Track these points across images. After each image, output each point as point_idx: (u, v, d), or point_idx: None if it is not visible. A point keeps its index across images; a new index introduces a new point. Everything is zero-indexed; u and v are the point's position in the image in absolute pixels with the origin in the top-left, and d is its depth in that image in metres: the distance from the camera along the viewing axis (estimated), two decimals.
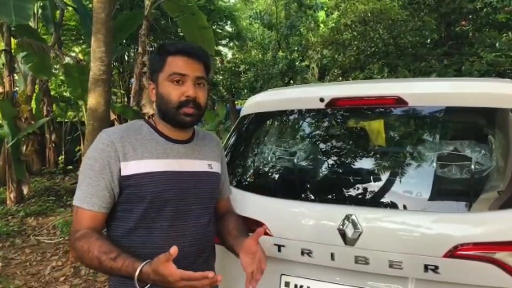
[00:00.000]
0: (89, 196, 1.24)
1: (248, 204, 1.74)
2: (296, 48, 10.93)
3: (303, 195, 1.81)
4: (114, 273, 1.21)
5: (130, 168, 1.27)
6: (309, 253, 1.55)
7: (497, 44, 5.79)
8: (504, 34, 6.15)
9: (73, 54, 8.90)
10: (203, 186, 1.40)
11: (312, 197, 1.78)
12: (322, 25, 10.57)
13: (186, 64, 1.32)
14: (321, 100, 1.73)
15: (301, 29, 10.66)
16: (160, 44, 1.50)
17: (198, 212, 1.37)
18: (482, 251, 1.32)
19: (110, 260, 1.17)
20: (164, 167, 1.31)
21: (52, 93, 11.02)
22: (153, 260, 1.11)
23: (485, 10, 6.39)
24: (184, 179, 1.34)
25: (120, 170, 1.26)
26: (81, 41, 11.38)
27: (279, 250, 1.61)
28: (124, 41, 9.42)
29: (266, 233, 1.62)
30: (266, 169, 2.00)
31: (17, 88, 7.83)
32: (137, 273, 1.13)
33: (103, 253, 1.18)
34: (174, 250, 1.05)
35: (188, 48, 1.35)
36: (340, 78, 9.78)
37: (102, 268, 1.19)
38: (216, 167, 1.48)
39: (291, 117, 2.04)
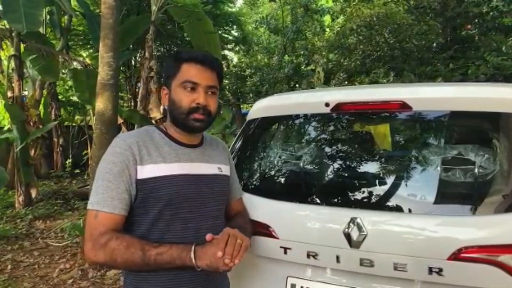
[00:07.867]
0: (109, 199, 1.24)
1: (255, 207, 1.76)
2: (302, 53, 10.96)
3: (309, 198, 1.83)
4: (159, 262, 1.21)
5: (146, 172, 1.30)
6: (315, 255, 1.57)
7: (503, 48, 5.76)
8: (510, 38, 6.11)
9: (81, 59, 8.98)
10: (215, 188, 1.44)
11: (318, 200, 1.80)
12: (327, 30, 10.62)
13: (199, 73, 1.36)
14: (327, 105, 1.75)
15: (307, 34, 10.70)
16: (176, 51, 1.55)
17: (210, 214, 1.41)
18: (486, 253, 1.33)
19: (155, 248, 1.21)
20: (179, 171, 1.34)
21: (60, 97, 11.16)
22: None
23: (491, 14, 6.37)
24: (198, 182, 1.38)
25: (136, 173, 1.29)
26: (88, 46, 11.51)
27: (285, 253, 1.63)
28: (131, 45, 9.50)
29: (272, 236, 1.65)
30: (272, 172, 2.02)
31: (25, 93, 7.92)
32: (193, 247, 1.21)
33: (145, 244, 1.22)
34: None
35: (202, 56, 1.39)
36: (346, 82, 9.78)
37: (145, 260, 1.20)
38: (225, 170, 1.53)
39: (297, 122, 2.07)
